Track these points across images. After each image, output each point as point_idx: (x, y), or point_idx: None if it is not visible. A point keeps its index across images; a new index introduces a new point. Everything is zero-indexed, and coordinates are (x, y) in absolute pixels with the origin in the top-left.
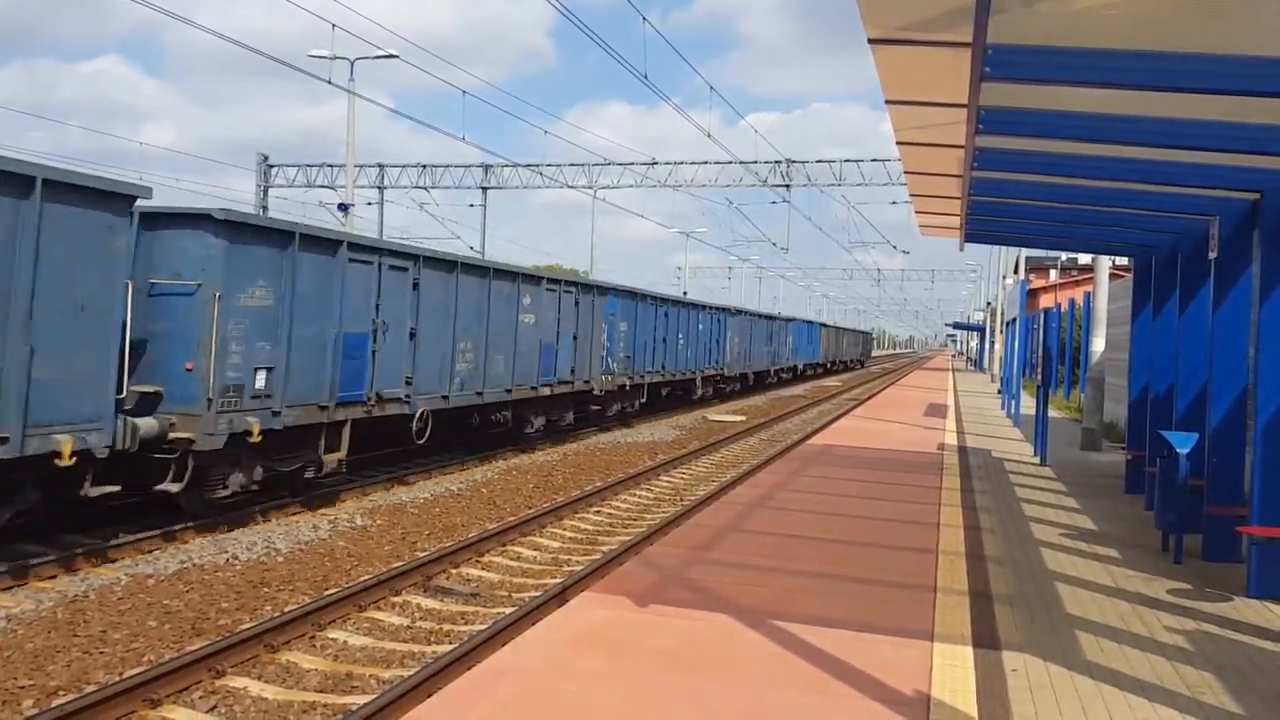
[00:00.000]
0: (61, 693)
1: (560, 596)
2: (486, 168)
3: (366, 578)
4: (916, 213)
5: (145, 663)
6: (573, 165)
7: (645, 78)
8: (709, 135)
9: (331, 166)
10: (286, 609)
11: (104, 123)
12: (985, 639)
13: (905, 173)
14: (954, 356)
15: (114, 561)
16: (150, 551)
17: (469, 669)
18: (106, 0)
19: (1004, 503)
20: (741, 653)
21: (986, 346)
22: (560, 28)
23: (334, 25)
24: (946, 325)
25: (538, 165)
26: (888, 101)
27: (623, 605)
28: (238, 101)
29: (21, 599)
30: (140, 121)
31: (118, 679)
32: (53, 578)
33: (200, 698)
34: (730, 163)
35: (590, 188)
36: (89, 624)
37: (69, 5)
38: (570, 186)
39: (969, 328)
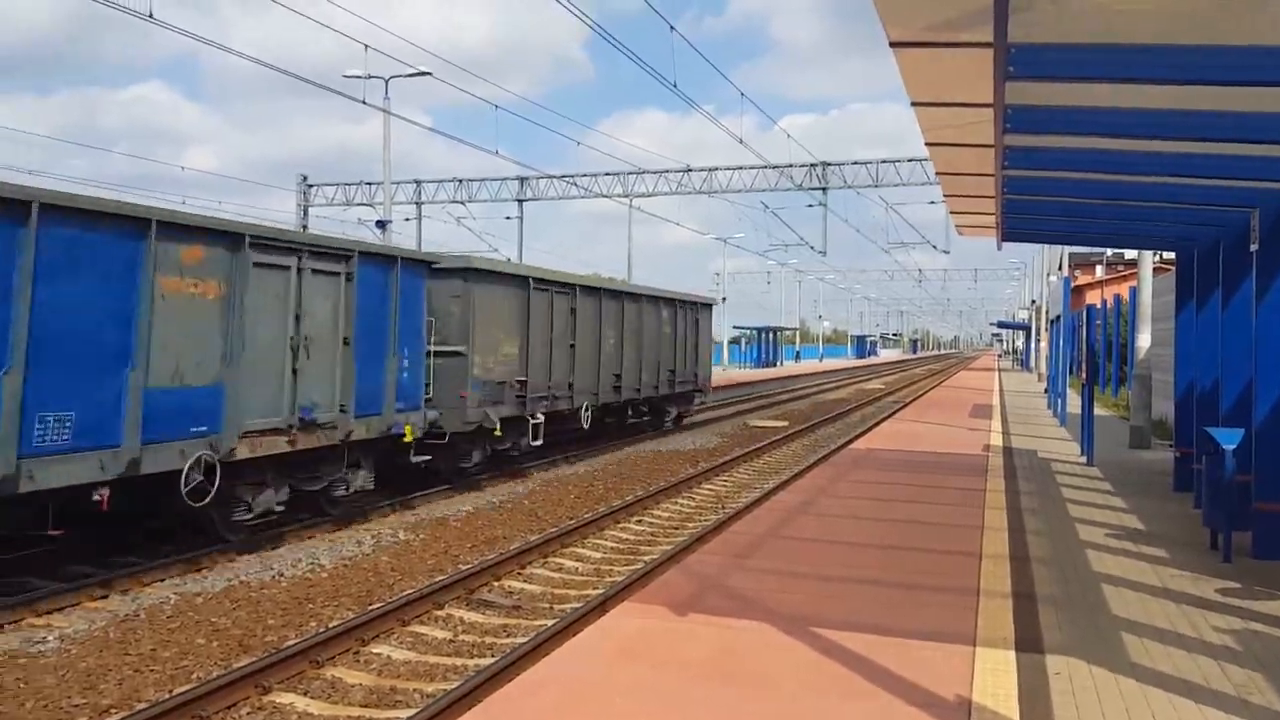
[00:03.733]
0: (113, 710)
1: (601, 607)
2: (522, 180)
3: (409, 592)
4: (952, 213)
5: (194, 680)
6: (608, 174)
7: (675, 86)
8: (740, 141)
9: (370, 184)
10: (331, 624)
11: (147, 148)
12: (1028, 642)
13: (937, 174)
14: (1000, 356)
15: (163, 580)
16: (199, 569)
17: (511, 681)
18: (146, 27)
19: (1049, 504)
20: (781, 660)
21: (1032, 345)
22: (595, 38)
23: (366, 47)
24: (991, 324)
25: (572, 176)
26: (914, 103)
27: (663, 615)
28: (277, 123)
29: (74, 619)
30: (183, 146)
31: (167, 696)
32: (104, 597)
33: (248, 714)
34: (765, 167)
35: (625, 197)
36: (139, 642)
37: (110, 33)
38: (605, 196)
39: (1014, 326)
